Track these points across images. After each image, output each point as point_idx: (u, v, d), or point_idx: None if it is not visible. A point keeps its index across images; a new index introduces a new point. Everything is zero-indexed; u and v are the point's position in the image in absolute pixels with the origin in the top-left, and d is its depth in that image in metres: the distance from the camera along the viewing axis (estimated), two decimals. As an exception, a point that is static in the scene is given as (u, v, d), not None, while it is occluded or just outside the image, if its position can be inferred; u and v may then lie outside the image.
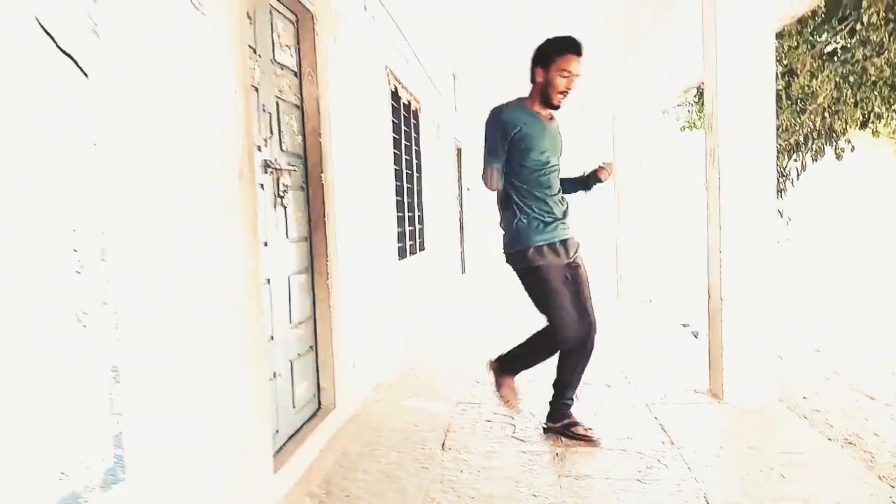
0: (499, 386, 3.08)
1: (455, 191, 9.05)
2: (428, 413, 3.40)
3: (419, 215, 5.93)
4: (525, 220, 2.83)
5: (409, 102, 5.51)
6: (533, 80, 2.86)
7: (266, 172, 2.57)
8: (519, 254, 2.83)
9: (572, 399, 3.06)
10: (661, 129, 7.71)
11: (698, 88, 7.66)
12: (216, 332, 1.94)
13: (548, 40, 2.82)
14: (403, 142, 5.22)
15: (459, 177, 9.62)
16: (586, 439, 2.92)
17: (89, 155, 1.40)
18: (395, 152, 4.83)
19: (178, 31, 1.78)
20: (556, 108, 2.86)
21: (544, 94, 2.82)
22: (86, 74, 1.40)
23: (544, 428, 3.09)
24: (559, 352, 2.94)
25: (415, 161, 5.75)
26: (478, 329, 5.87)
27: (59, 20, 1.32)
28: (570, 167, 3.46)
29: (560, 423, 3.02)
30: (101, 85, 1.44)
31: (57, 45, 1.31)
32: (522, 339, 2.97)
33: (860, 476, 2.57)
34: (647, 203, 7.49)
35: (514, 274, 2.91)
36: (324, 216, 3.10)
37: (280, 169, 2.68)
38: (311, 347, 3.08)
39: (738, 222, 3.39)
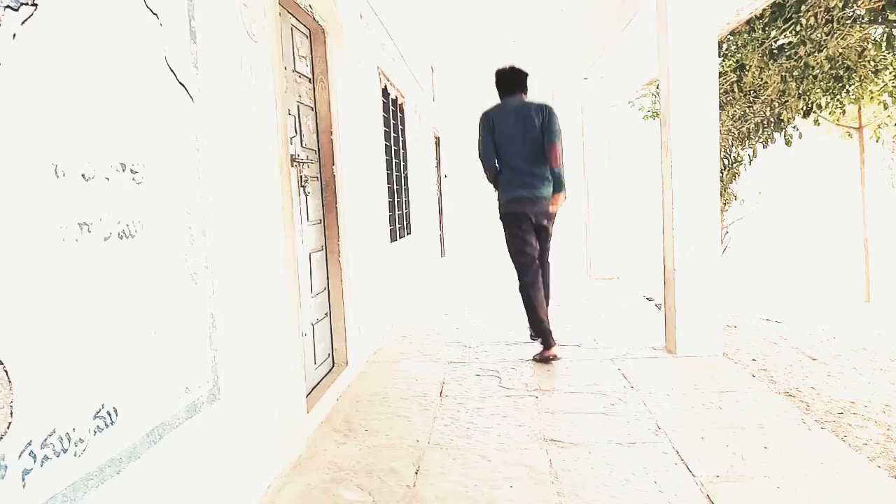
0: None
1: (434, 177, 9.56)
2: (424, 370, 3.95)
3: (406, 201, 6.45)
4: None
5: (396, 98, 6.00)
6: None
7: (292, 165, 3.07)
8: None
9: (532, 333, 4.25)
10: (626, 117, 8.29)
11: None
12: (269, 292, 2.45)
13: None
14: (392, 134, 5.72)
15: (438, 164, 10.13)
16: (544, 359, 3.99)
17: (195, 158, 1.91)
18: (385, 144, 5.33)
19: (241, 56, 2.28)
20: None
21: None
22: (192, 99, 1.90)
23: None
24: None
25: (401, 151, 6.26)
26: (459, 304, 6.43)
27: (175, 58, 1.82)
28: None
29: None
30: (200, 105, 1.94)
31: (177, 79, 1.81)
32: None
33: (785, 409, 3.17)
34: (613, 187, 8.08)
35: (549, 216, 4.11)
36: (335, 202, 3.61)
37: (302, 162, 3.19)
38: (326, 314, 3.60)
39: (688, 203, 3.97)
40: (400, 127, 6.21)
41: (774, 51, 7.06)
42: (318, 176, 3.55)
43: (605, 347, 4.34)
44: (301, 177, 3.19)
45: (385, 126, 5.37)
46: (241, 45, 2.29)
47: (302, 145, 3.26)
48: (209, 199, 1.97)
